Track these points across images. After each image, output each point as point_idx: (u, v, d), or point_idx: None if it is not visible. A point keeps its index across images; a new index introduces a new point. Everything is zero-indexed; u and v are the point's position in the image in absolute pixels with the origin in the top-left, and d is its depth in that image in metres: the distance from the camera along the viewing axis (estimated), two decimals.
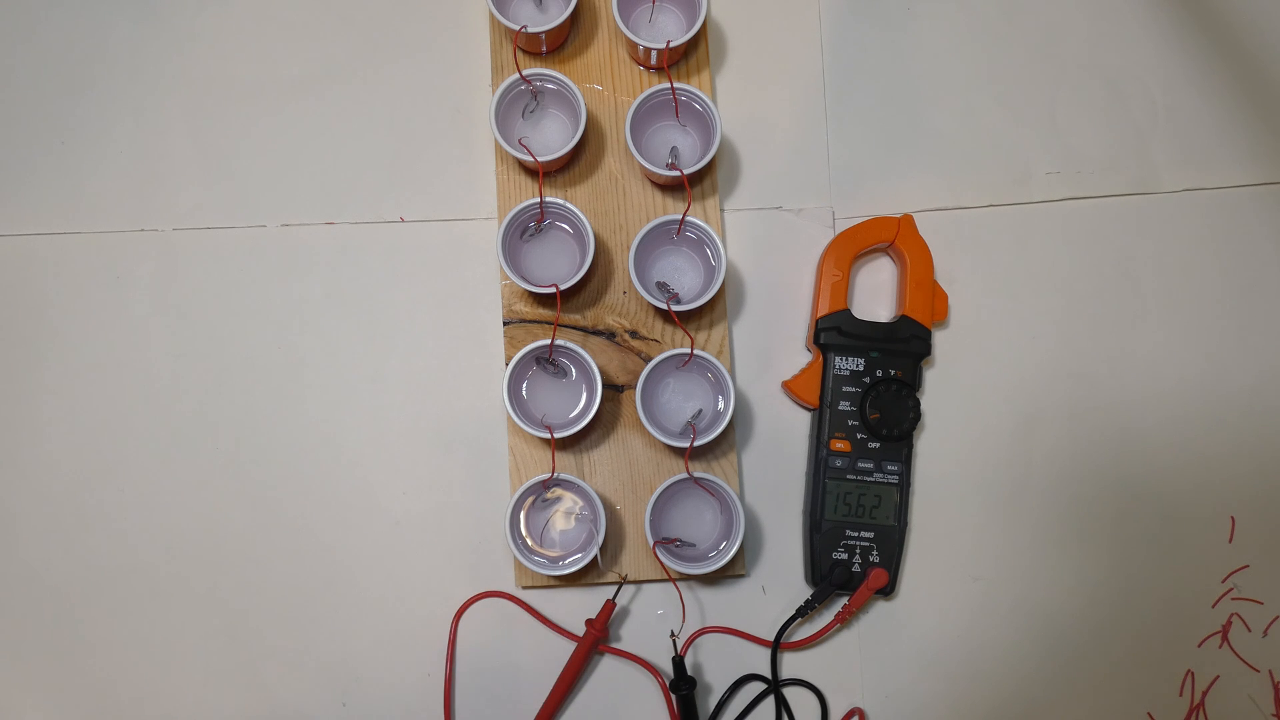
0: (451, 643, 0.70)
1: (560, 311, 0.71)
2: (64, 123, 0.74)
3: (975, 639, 0.72)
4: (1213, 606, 0.73)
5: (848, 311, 0.71)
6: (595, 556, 0.67)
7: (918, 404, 0.70)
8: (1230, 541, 0.73)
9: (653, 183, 0.73)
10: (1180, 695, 0.72)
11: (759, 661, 0.71)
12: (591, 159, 0.73)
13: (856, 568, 0.70)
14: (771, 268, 0.74)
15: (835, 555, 0.70)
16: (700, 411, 0.69)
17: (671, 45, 0.69)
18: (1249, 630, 0.73)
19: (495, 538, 0.71)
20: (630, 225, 0.72)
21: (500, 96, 0.69)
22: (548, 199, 0.68)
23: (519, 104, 0.71)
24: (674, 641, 0.69)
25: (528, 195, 0.71)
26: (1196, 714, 0.72)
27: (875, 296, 0.74)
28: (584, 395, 0.69)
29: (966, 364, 0.74)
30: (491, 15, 0.70)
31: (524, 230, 0.70)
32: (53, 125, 0.74)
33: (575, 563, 0.67)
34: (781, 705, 0.70)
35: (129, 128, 0.74)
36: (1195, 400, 0.74)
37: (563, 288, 0.67)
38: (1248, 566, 0.73)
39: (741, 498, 0.71)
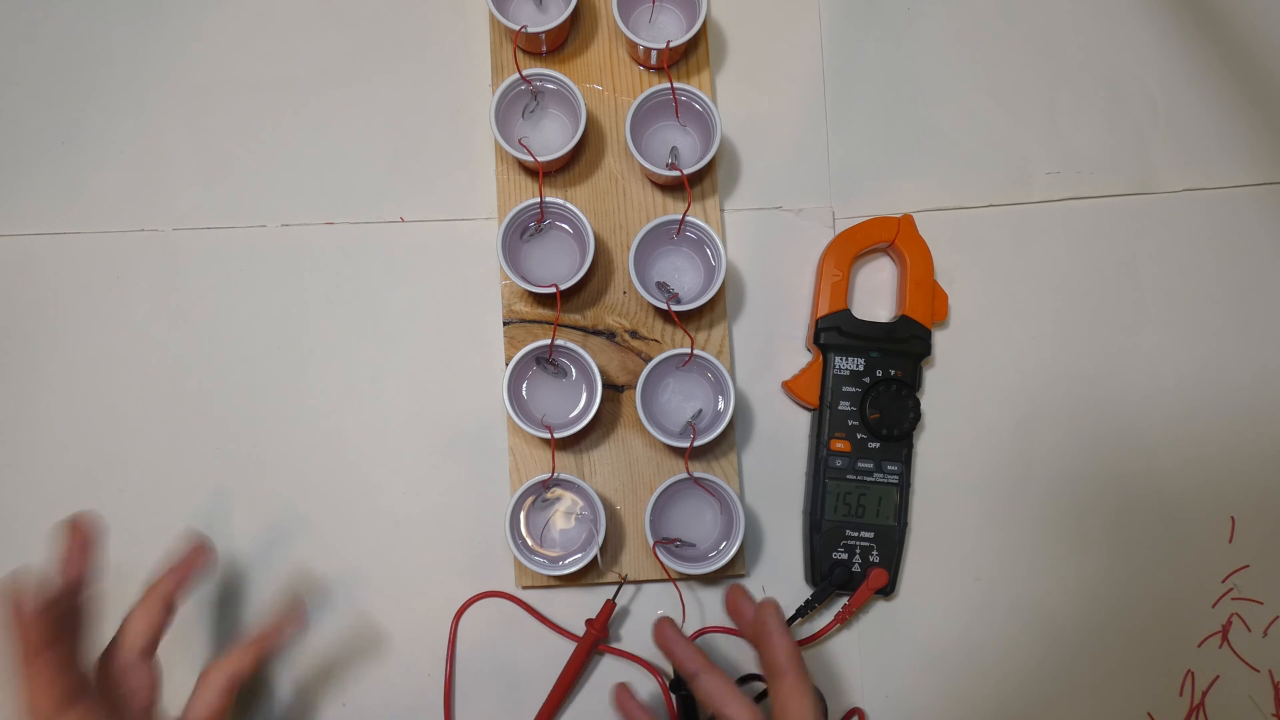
0: (451, 643, 0.70)
1: (560, 311, 0.71)
2: (64, 123, 0.74)
3: (975, 639, 0.72)
4: (1213, 606, 0.73)
5: (848, 311, 0.71)
6: (595, 556, 0.67)
7: (918, 404, 0.70)
8: (1230, 541, 0.73)
9: (653, 183, 0.73)
10: (1180, 695, 0.72)
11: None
12: (591, 159, 0.73)
13: (856, 568, 0.70)
14: (771, 268, 0.74)
15: (835, 555, 0.70)
16: (700, 411, 0.69)
17: (671, 45, 0.69)
18: (1249, 630, 0.73)
19: (495, 538, 0.71)
20: (630, 225, 0.72)
21: (500, 96, 0.69)
22: (548, 199, 0.68)
23: (519, 104, 0.71)
24: None
25: (528, 195, 0.71)
26: (1196, 714, 0.72)
27: (875, 296, 0.74)
28: (584, 395, 0.69)
29: (966, 364, 0.74)
30: (491, 15, 0.70)
31: (524, 230, 0.70)
32: (53, 125, 0.74)
33: (575, 563, 0.67)
34: None
35: (129, 128, 0.74)
36: (1195, 400, 0.74)
37: (563, 288, 0.67)
38: (1248, 566, 0.73)
39: (741, 498, 0.71)
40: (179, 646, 0.70)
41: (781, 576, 0.72)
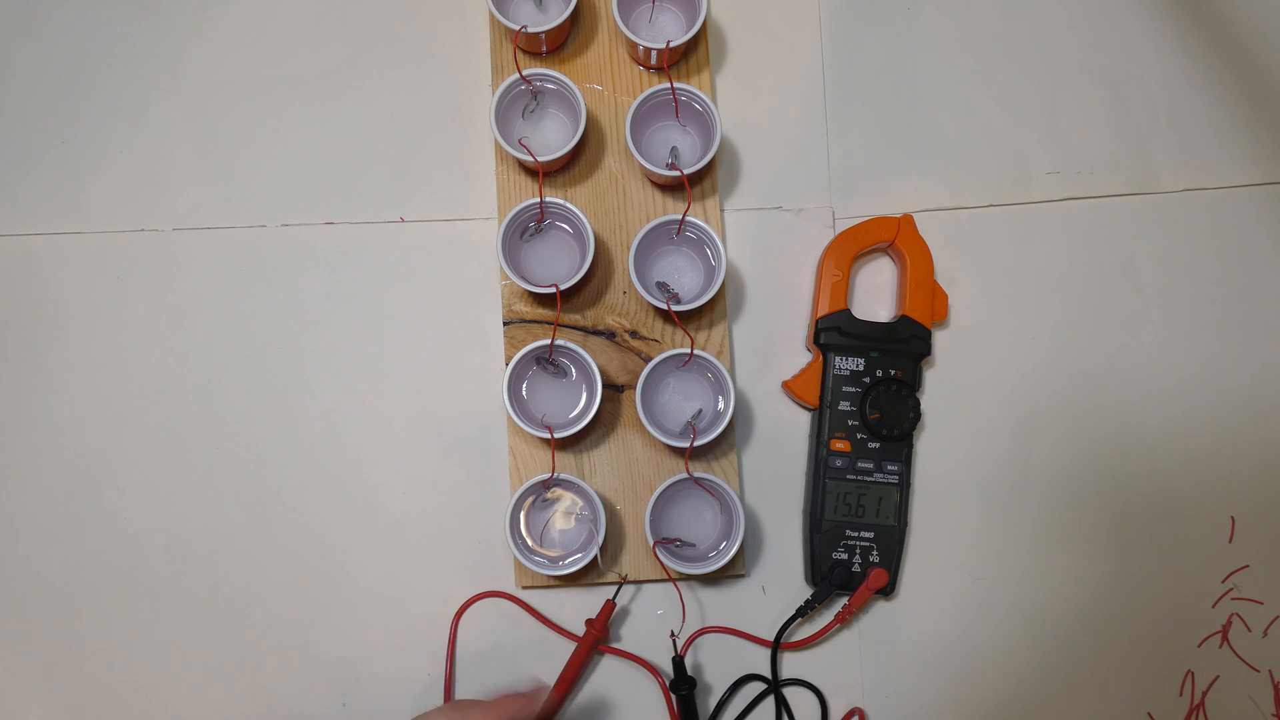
0: (451, 643, 0.70)
1: (560, 311, 0.71)
2: (64, 123, 0.74)
3: (975, 639, 0.72)
4: (1213, 606, 0.73)
5: (848, 311, 0.71)
6: (595, 556, 0.67)
7: (918, 404, 0.70)
8: (1230, 541, 0.73)
9: (653, 183, 0.73)
10: (1180, 695, 0.72)
11: (759, 661, 0.71)
12: (591, 159, 0.73)
13: (856, 568, 0.70)
14: (771, 268, 0.74)
15: (835, 555, 0.70)
16: (700, 411, 0.69)
17: (671, 45, 0.69)
18: (1249, 630, 0.73)
19: (495, 538, 0.71)
20: (630, 225, 0.72)
21: (500, 96, 0.69)
22: (548, 199, 0.68)
23: (519, 104, 0.71)
24: (674, 641, 0.69)
25: (528, 195, 0.71)
26: (1196, 714, 0.72)
27: (875, 296, 0.74)
28: (584, 395, 0.69)
29: (966, 364, 0.74)
30: (491, 15, 0.70)
31: (524, 230, 0.70)
32: (53, 125, 0.74)
33: (575, 563, 0.67)
34: (781, 705, 0.70)
35: (129, 128, 0.74)
36: (1195, 399, 0.74)
37: (563, 288, 0.67)
38: (1248, 566, 0.73)
39: (741, 498, 0.71)
40: (179, 645, 0.70)
41: (781, 576, 0.72)
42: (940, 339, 0.74)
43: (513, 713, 0.58)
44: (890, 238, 0.72)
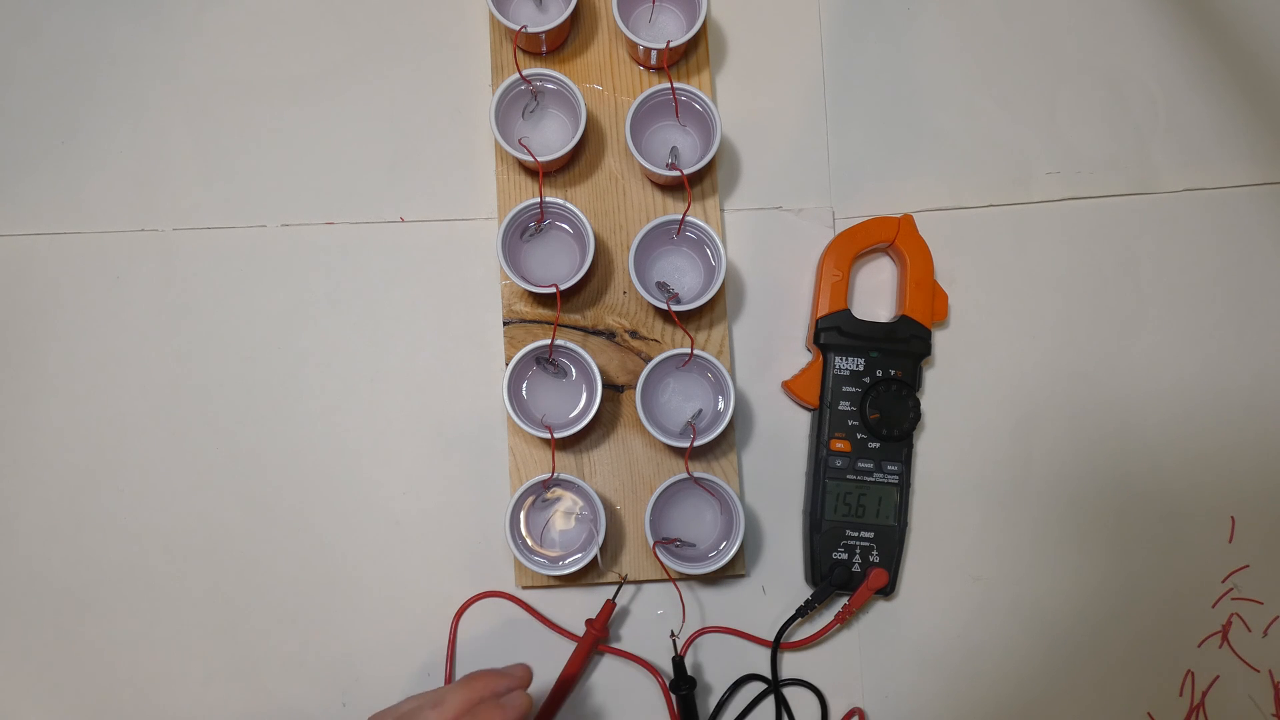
0: (451, 643, 0.70)
1: (560, 311, 0.71)
2: (64, 123, 0.74)
3: (975, 639, 0.72)
4: (1213, 606, 0.73)
5: (848, 311, 0.71)
6: (595, 556, 0.67)
7: (918, 404, 0.70)
8: (1230, 541, 0.73)
9: (653, 183, 0.73)
10: (1180, 695, 0.72)
11: (759, 661, 0.71)
12: (591, 159, 0.73)
13: (856, 568, 0.70)
14: (771, 268, 0.74)
15: (835, 555, 0.70)
16: (700, 411, 0.69)
17: (671, 45, 0.69)
18: (1249, 630, 0.73)
19: (495, 538, 0.71)
20: (630, 225, 0.72)
21: (500, 96, 0.69)
22: (548, 199, 0.68)
23: (519, 104, 0.71)
24: (674, 641, 0.69)
25: (528, 195, 0.71)
26: (1196, 714, 0.72)
27: (875, 296, 0.74)
28: (584, 395, 0.69)
29: (966, 364, 0.74)
30: (491, 15, 0.70)
31: (524, 230, 0.70)
32: (53, 125, 0.74)
33: (575, 563, 0.67)
34: (781, 705, 0.70)
35: (129, 128, 0.74)
36: (1195, 400, 0.74)
37: (563, 288, 0.67)
38: (1248, 566, 0.73)
39: (741, 498, 0.71)
40: (179, 646, 0.70)
41: (781, 576, 0.72)
42: (940, 339, 0.74)
43: (483, 688, 0.59)
44: (890, 238, 0.72)
